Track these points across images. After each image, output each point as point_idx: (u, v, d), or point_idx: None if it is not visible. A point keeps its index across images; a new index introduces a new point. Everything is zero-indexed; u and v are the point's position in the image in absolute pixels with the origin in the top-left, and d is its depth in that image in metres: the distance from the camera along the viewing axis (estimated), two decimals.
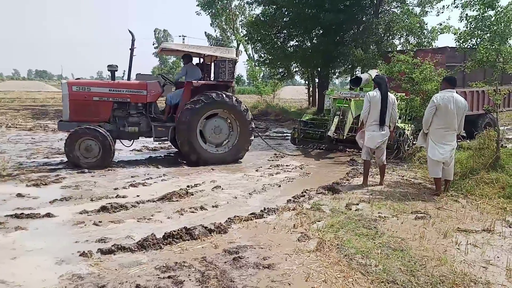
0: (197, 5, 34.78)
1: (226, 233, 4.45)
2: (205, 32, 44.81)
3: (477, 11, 7.89)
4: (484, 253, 4.10)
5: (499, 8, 7.58)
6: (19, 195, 5.74)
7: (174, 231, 4.26)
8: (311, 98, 27.28)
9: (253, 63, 32.63)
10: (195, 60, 9.71)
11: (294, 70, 25.45)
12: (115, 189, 6.27)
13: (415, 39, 18.41)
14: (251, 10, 30.86)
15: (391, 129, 6.94)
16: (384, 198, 6.10)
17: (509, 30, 7.62)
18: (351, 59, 19.37)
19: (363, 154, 7.06)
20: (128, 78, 8.74)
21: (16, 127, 14.08)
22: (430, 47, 15.83)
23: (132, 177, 7.13)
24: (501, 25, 7.35)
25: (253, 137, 8.99)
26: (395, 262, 3.76)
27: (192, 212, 5.25)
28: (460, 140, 7.53)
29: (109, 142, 7.68)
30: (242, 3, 33.35)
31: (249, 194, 6.25)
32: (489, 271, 3.69)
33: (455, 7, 9.04)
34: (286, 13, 21.10)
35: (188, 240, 4.20)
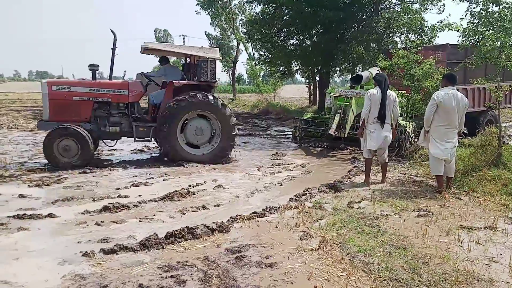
0: (197, 4, 34.72)
1: (228, 232, 4.45)
2: (205, 32, 44.69)
3: (481, 6, 7.83)
4: (487, 250, 4.09)
5: (504, 4, 7.53)
6: (21, 195, 5.75)
7: (176, 231, 4.26)
8: (312, 97, 27.29)
9: (254, 62, 32.64)
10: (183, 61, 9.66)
11: (295, 68, 25.48)
12: (117, 189, 6.27)
13: (415, 36, 18.37)
14: (251, 9, 30.75)
15: (393, 127, 6.93)
16: (386, 196, 6.09)
17: None
18: (352, 57, 19.36)
19: (364, 153, 7.05)
20: (110, 78, 8.63)
21: (17, 128, 14.10)
22: (431, 44, 15.73)
23: (133, 176, 7.13)
24: (505, 21, 7.30)
25: (235, 141, 8.86)
26: (398, 260, 3.75)
27: (194, 211, 5.24)
28: (461, 138, 7.50)
29: (87, 141, 7.64)
30: (242, 2, 33.27)
31: (251, 193, 6.24)
32: (492, 269, 3.68)
33: (460, 0, 8.94)
34: (286, 11, 21.10)
35: (190, 239, 4.20)
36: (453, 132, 6.26)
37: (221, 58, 9.08)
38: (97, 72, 8.35)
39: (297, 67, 25.28)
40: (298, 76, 31.83)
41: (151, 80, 8.94)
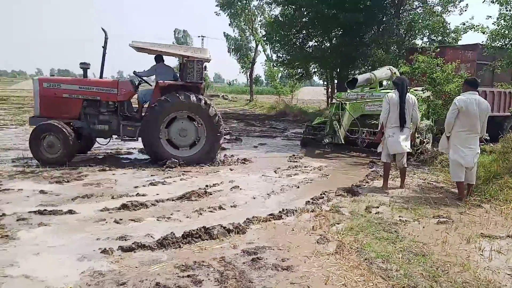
0: (216, 5, 34.93)
1: (245, 234, 4.45)
2: (224, 33, 44.88)
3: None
4: (508, 260, 3.99)
5: None
6: (42, 191, 5.86)
7: (193, 231, 4.28)
8: (329, 99, 27.10)
9: (272, 64, 32.61)
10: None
11: (313, 70, 25.34)
12: (135, 187, 6.33)
13: (437, 38, 18.09)
14: (270, 10, 30.79)
15: (412, 130, 6.83)
16: (405, 201, 6.00)
17: None
18: (372, 60, 19.17)
19: (382, 157, 6.97)
20: (101, 76, 8.71)
21: None
22: (459, 44, 15.26)
23: (151, 175, 7.20)
24: None
25: (222, 141, 8.72)
26: (417, 267, 3.69)
27: (211, 211, 5.26)
28: (483, 144, 7.35)
29: (70, 137, 7.70)
30: (262, 3, 33.31)
31: (268, 194, 6.23)
32: None
33: (491, 1, 8.74)
34: (305, 13, 21.01)
35: (207, 239, 4.22)
36: (475, 138, 6.14)
37: (210, 59, 8.90)
38: (87, 69, 8.43)
39: (315, 69, 25.15)
40: (316, 78, 31.67)
41: (143, 79, 8.93)
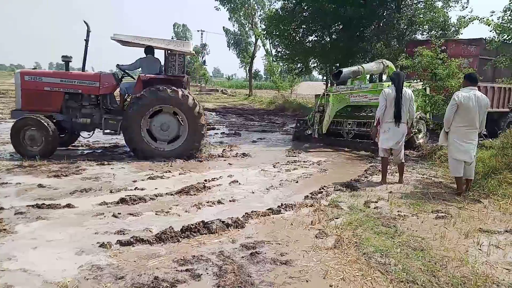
0: (216, 0, 34.81)
1: (244, 228, 4.45)
2: (223, 27, 44.87)
3: None
4: (507, 254, 4.00)
5: None
6: (40, 185, 5.84)
7: (192, 225, 4.27)
8: None
9: (271, 58, 32.55)
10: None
11: (313, 65, 25.30)
12: (134, 181, 6.32)
13: (438, 32, 18.03)
14: (270, 4, 30.71)
15: (408, 125, 6.83)
16: (403, 196, 6.00)
17: None
18: (372, 54, 19.12)
19: (380, 152, 6.96)
20: (83, 69, 8.65)
21: None
22: (463, 38, 15.09)
23: (150, 170, 7.19)
24: None
25: (204, 135, 8.62)
26: (415, 261, 3.69)
27: (210, 206, 5.26)
28: (482, 139, 7.35)
29: (50, 131, 7.68)
30: None
31: (266, 189, 6.23)
32: None
33: None
34: (305, 7, 20.94)
35: (206, 234, 4.21)
36: (474, 133, 6.14)
37: (193, 52, 8.78)
38: (69, 62, 8.40)
39: (315, 64, 25.11)
40: (315, 73, 31.63)
41: (126, 73, 8.86)
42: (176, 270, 3.38)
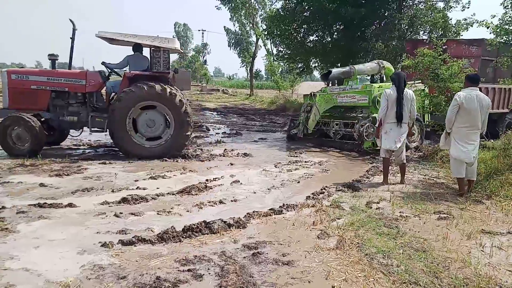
0: None
1: (245, 228, 4.44)
2: (224, 27, 44.87)
3: None
4: (509, 256, 3.99)
5: None
6: (41, 184, 5.84)
7: (194, 225, 4.27)
8: None
9: (272, 58, 32.52)
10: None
11: (314, 65, 25.28)
12: (136, 181, 6.32)
13: (439, 33, 18.01)
14: (271, 4, 30.69)
15: (410, 126, 6.82)
16: (405, 197, 5.99)
17: None
18: (372, 55, 19.12)
19: (381, 152, 6.96)
20: (69, 68, 8.66)
21: None
22: (464, 39, 14.96)
23: (151, 169, 7.18)
24: None
25: (190, 132, 8.55)
26: (418, 263, 3.68)
27: (211, 206, 5.25)
28: (483, 140, 7.33)
29: (36, 129, 7.69)
30: None
31: (268, 189, 6.22)
32: None
33: None
34: (306, 7, 20.92)
35: (207, 234, 4.21)
36: (475, 134, 6.12)
37: (179, 49, 8.74)
38: (55, 60, 8.40)
39: (316, 64, 25.10)
40: (316, 73, 31.59)
41: (113, 70, 8.84)
42: (178, 270, 3.38)
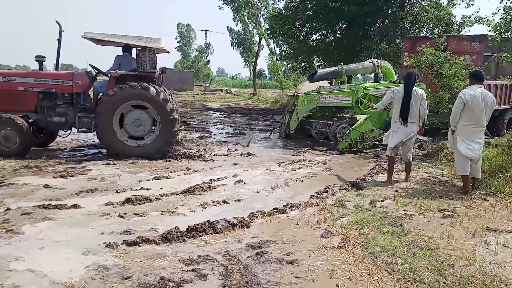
0: None
1: (249, 228, 4.45)
2: (227, 26, 44.82)
3: None
4: None
5: None
6: (46, 186, 5.86)
7: (198, 225, 4.27)
8: None
9: (275, 58, 32.50)
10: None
11: (317, 64, 25.24)
12: (139, 181, 6.33)
13: (442, 30, 17.94)
14: (274, 3, 30.69)
15: (420, 125, 6.82)
16: (409, 195, 5.97)
17: None
18: (376, 53, 19.07)
19: (387, 150, 6.95)
20: (56, 69, 8.68)
21: None
22: (466, 35, 14.78)
23: (155, 170, 7.20)
24: None
25: (177, 128, 8.45)
26: (422, 261, 3.67)
27: (215, 206, 5.25)
28: (487, 137, 7.30)
29: (24, 130, 7.73)
30: None
31: (272, 189, 6.22)
32: None
33: None
34: (309, 6, 20.90)
35: (211, 233, 4.21)
36: (480, 132, 6.10)
37: (166, 49, 8.84)
38: (42, 62, 8.40)
39: (319, 63, 25.05)
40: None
41: (100, 71, 8.83)
42: (182, 270, 3.39)
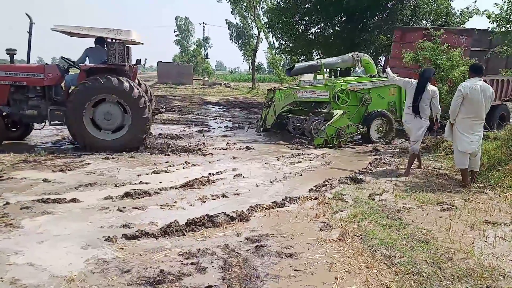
0: None
1: (248, 221, 4.46)
2: (226, 20, 44.69)
3: None
4: None
5: None
6: (45, 180, 5.86)
7: (197, 218, 4.28)
8: None
9: (274, 51, 32.39)
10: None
11: (316, 58, 25.17)
12: (138, 175, 6.33)
13: (442, 22, 17.87)
14: None
15: (434, 119, 7.02)
16: (408, 188, 5.99)
17: None
18: (375, 46, 19.00)
19: (414, 148, 7.01)
20: (28, 62, 8.66)
21: None
22: (454, 28, 14.63)
23: (154, 164, 7.19)
24: None
25: (148, 114, 8.34)
26: (421, 254, 3.69)
27: (214, 199, 5.26)
28: (486, 130, 7.31)
29: None
30: None
31: (271, 182, 6.22)
32: None
33: None
34: None
35: (211, 227, 4.22)
36: (479, 125, 6.11)
37: (138, 40, 8.76)
38: (13, 55, 8.40)
39: (318, 56, 24.98)
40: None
41: (71, 64, 8.79)
42: (182, 263, 3.40)
